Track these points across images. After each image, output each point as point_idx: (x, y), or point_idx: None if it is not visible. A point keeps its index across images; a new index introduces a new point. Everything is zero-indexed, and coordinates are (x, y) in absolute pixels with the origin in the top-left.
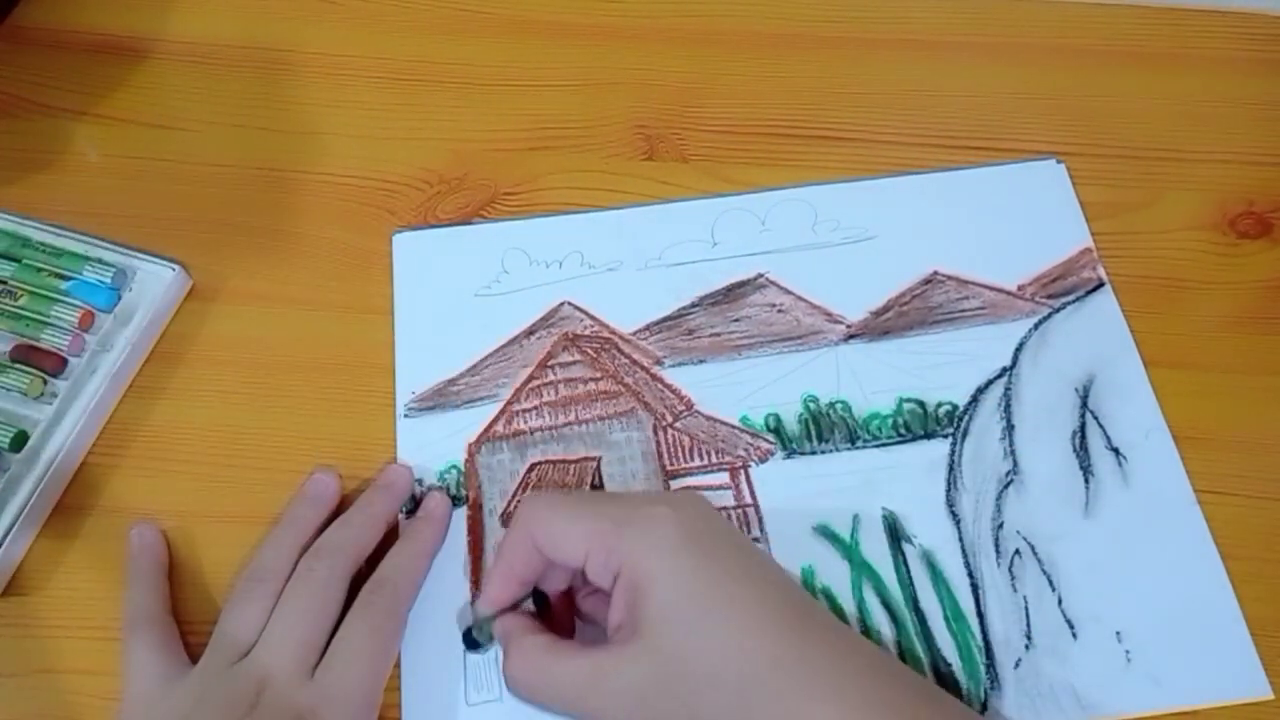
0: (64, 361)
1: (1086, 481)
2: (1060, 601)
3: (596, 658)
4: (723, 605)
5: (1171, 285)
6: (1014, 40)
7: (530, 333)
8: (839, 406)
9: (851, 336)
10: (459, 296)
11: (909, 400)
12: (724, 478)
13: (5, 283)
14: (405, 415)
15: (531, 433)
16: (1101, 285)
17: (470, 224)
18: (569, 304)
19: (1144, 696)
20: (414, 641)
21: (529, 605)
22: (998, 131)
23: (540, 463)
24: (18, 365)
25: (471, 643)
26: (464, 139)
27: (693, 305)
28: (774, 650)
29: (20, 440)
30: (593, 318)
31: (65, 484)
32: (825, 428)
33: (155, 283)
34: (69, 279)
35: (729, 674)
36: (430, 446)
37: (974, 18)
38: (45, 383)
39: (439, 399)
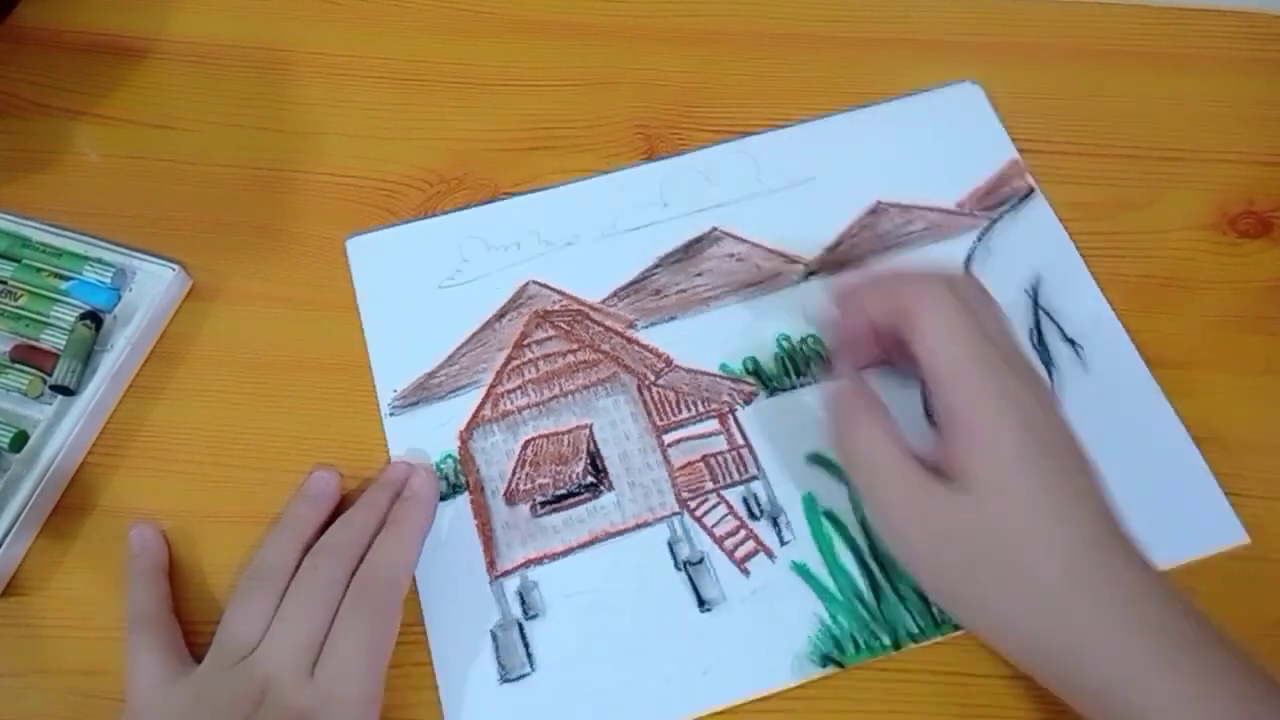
0: None
1: (1050, 373)
2: None
3: (926, 489)
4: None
5: (1171, 285)
6: (1014, 40)
7: (501, 315)
8: (810, 341)
9: (811, 274)
10: (423, 291)
11: None
12: (714, 424)
13: (5, 283)
14: (390, 414)
15: (520, 411)
16: (1032, 191)
17: (422, 219)
18: (534, 282)
19: None
20: (442, 626)
21: None
22: None
23: (534, 438)
24: (18, 365)
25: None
26: (464, 139)
27: (654, 266)
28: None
29: (20, 440)
30: (560, 292)
31: (65, 484)
32: (801, 362)
33: (155, 283)
34: (69, 279)
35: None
36: (422, 440)
37: (974, 18)
38: (45, 383)
39: (422, 394)
